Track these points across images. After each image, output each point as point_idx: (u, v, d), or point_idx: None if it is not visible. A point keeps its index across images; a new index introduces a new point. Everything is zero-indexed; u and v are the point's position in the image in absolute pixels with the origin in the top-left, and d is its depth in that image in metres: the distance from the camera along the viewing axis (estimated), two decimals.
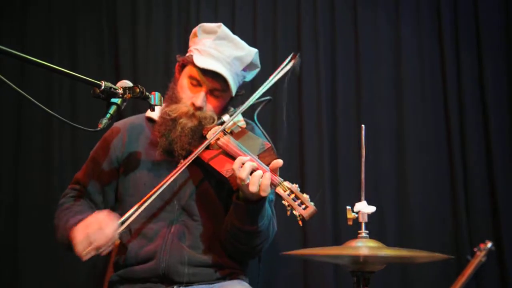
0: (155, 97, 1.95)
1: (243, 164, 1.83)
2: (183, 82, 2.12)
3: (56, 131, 3.39)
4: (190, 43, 2.19)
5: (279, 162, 1.87)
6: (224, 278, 2.04)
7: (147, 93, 1.92)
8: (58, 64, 1.73)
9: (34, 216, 3.28)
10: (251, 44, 3.31)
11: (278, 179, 1.84)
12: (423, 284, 3.05)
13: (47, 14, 3.54)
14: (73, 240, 1.86)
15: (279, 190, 1.81)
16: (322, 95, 3.24)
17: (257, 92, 2.07)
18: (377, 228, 3.05)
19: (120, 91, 1.85)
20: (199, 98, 2.07)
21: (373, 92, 3.27)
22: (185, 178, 2.10)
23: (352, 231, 1.89)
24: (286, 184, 1.82)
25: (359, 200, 1.86)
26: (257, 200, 1.88)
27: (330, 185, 3.15)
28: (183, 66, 2.15)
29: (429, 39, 3.29)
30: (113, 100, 1.84)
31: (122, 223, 1.90)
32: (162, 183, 1.95)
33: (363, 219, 1.84)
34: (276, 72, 2.09)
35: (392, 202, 3.16)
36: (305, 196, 1.79)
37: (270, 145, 1.97)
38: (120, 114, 2.95)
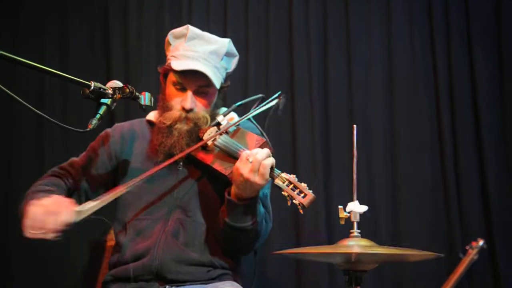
0: (145, 97, 1.95)
1: (248, 158, 1.86)
2: (169, 90, 2.16)
3: (48, 132, 3.38)
4: (166, 52, 2.24)
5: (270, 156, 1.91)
6: (216, 278, 2.04)
7: (137, 93, 1.92)
8: (49, 64, 1.73)
9: None
10: (244, 44, 3.35)
11: (276, 171, 1.88)
12: (415, 283, 3.06)
13: (38, 15, 3.53)
14: (25, 214, 1.83)
15: (278, 182, 1.86)
16: (314, 95, 3.24)
17: (243, 117, 2.09)
18: (369, 228, 3.05)
19: (110, 91, 1.84)
20: (188, 100, 2.10)
21: (365, 91, 3.27)
22: (183, 177, 2.12)
23: (346, 231, 1.90)
24: (284, 175, 1.87)
25: (352, 200, 1.87)
26: (250, 198, 1.91)
27: (323, 185, 3.16)
28: (165, 76, 2.19)
29: (421, 38, 3.30)
30: (103, 100, 1.83)
31: (79, 212, 1.85)
32: (144, 174, 1.98)
33: (355, 219, 1.85)
34: (262, 105, 2.10)
35: (384, 202, 3.16)
36: (303, 185, 1.84)
37: (264, 140, 2.01)
38: (111, 115, 2.99)
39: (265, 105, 2.09)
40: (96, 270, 2.43)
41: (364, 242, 1.82)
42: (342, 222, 1.85)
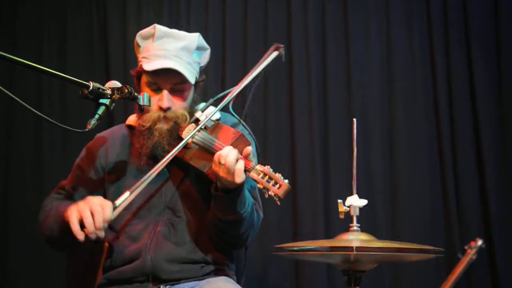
0: (143, 97, 1.95)
1: (220, 161, 1.87)
2: (144, 91, 2.14)
3: (46, 132, 3.38)
4: (137, 55, 2.23)
5: (248, 149, 1.90)
6: (210, 274, 2.05)
7: (135, 94, 1.91)
8: (48, 64, 1.72)
9: (24, 217, 3.27)
10: (243, 45, 3.35)
11: (251, 164, 1.86)
12: (414, 283, 3.06)
13: (37, 15, 3.53)
14: (69, 220, 1.85)
15: (253, 174, 1.84)
16: (313, 95, 3.24)
17: (238, 86, 2.09)
18: (368, 228, 3.04)
19: (109, 91, 1.83)
20: (164, 99, 2.10)
21: (364, 91, 3.27)
22: (167, 179, 2.13)
23: (344, 226, 1.90)
24: (258, 167, 1.85)
25: (351, 195, 1.86)
26: (235, 188, 1.90)
27: (322, 180, 3.17)
28: (138, 78, 2.19)
29: (419, 38, 3.30)
30: (101, 100, 1.82)
31: (115, 208, 1.88)
32: (150, 172, 1.96)
33: (355, 213, 1.85)
34: (258, 66, 2.10)
35: (383, 202, 3.16)
36: (278, 175, 1.82)
37: (240, 133, 2.00)
38: (109, 115, 2.99)
39: (262, 62, 2.07)
40: (94, 272, 2.43)
41: (364, 236, 1.82)
42: (342, 216, 1.84)
